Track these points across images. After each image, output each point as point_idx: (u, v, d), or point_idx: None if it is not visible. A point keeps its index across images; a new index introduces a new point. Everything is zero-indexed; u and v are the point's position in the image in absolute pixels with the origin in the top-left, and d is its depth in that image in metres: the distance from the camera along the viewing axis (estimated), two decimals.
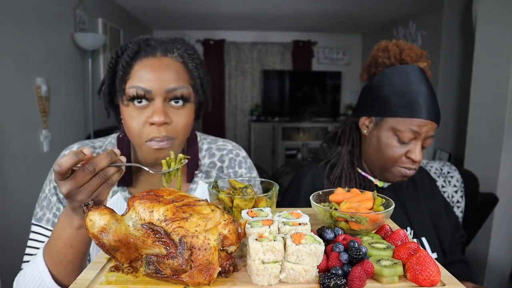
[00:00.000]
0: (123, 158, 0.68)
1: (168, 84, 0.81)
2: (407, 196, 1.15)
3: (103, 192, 0.67)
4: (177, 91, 0.82)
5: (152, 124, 0.81)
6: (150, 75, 0.81)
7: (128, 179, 0.92)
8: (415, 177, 1.21)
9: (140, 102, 0.81)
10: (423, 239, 1.10)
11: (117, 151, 0.66)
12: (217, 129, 5.90)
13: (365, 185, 1.11)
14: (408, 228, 1.10)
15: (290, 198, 1.17)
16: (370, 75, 1.14)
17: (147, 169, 0.72)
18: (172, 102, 0.83)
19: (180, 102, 0.84)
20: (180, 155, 0.76)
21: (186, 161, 0.76)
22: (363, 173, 1.13)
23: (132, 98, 0.81)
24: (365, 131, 1.11)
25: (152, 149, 0.83)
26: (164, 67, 0.82)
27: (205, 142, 1.05)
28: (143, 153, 0.86)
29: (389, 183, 1.13)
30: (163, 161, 0.74)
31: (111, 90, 0.88)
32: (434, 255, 1.10)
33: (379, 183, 1.12)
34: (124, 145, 0.93)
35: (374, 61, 1.12)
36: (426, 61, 1.09)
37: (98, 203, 0.68)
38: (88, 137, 3.11)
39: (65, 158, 0.61)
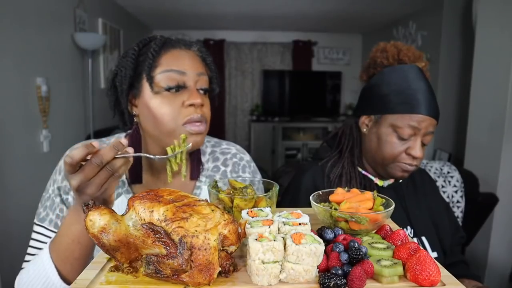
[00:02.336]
0: (130, 149, 0.68)
1: (196, 69, 0.86)
2: (407, 195, 1.15)
3: (112, 185, 0.68)
4: (204, 77, 0.88)
5: (190, 105, 0.83)
6: (181, 61, 0.85)
7: (137, 178, 0.91)
8: (415, 178, 1.21)
9: (177, 90, 0.84)
10: (423, 238, 1.10)
11: (124, 141, 0.66)
12: (217, 129, 5.90)
13: (366, 184, 1.12)
14: (408, 227, 1.10)
15: (290, 197, 1.18)
16: (369, 76, 1.16)
17: (152, 156, 0.72)
18: (201, 91, 0.88)
19: (206, 92, 0.90)
20: (182, 135, 0.76)
21: (190, 144, 0.76)
22: (363, 172, 1.14)
23: (167, 88, 0.83)
24: (364, 130, 1.13)
25: (188, 135, 0.82)
26: (191, 56, 0.88)
27: (209, 145, 1.05)
28: (174, 140, 0.83)
29: (390, 183, 1.14)
30: (168, 148, 0.75)
31: (130, 82, 0.87)
32: (434, 254, 1.10)
33: (379, 182, 1.13)
34: (136, 143, 0.91)
35: (373, 62, 1.14)
36: (424, 62, 1.10)
37: (107, 197, 0.69)
38: (88, 137, 3.12)
39: (76, 151, 0.63)
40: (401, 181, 1.16)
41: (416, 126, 1.00)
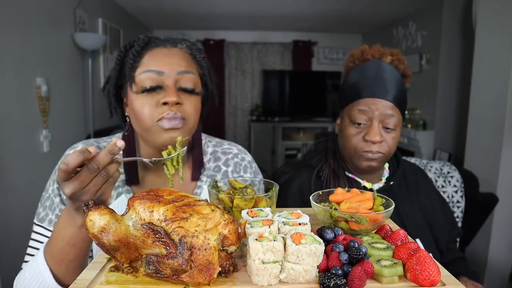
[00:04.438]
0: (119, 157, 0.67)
1: (178, 67, 0.83)
2: (399, 197, 1.13)
3: (107, 190, 0.66)
4: (188, 75, 0.84)
5: (164, 104, 0.80)
6: (161, 60, 0.83)
7: (134, 178, 0.91)
8: (408, 177, 1.20)
9: (154, 90, 0.82)
10: (417, 240, 1.09)
11: (120, 143, 0.64)
12: (217, 129, 5.90)
13: (353, 187, 1.11)
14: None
15: (278, 205, 1.17)
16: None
17: (147, 160, 0.70)
18: (182, 90, 0.84)
19: (189, 91, 0.85)
20: (179, 138, 0.75)
21: (185, 148, 0.76)
22: (350, 175, 1.13)
23: (145, 89, 0.81)
24: (337, 131, 1.17)
25: (162, 130, 0.81)
26: (174, 54, 0.85)
27: (210, 145, 1.04)
28: (153, 137, 0.83)
29: (380, 186, 1.12)
30: (164, 152, 0.74)
31: (117, 83, 0.89)
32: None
33: (368, 184, 1.12)
34: (130, 143, 0.91)
35: (345, 69, 1.21)
36: (391, 57, 1.14)
37: (102, 202, 0.68)
38: (88, 137, 3.12)
39: (72, 157, 0.60)
40: (392, 183, 1.14)
41: (365, 109, 1.02)
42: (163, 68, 0.82)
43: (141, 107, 0.82)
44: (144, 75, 0.82)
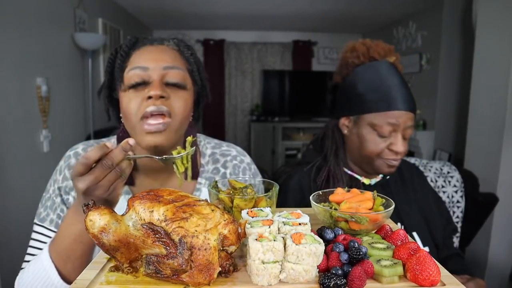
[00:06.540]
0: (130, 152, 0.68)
1: (164, 62, 0.83)
2: (395, 192, 1.16)
3: (118, 185, 0.68)
4: (174, 70, 0.84)
5: (149, 98, 0.80)
6: (147, 56, 0.84)
7: (129, 178, 0.91)
8: (404, 173, 1.22)
9: (139, 85, 0.82)
10: (414, 234, 1.10)
11: (131, 141, 0.66)
12: (217, 129, 5.90)
13: (352, 184, 1.13)
14: (399, 224, 1.10)
15: (278, 202, 1.18)
16: (343, 77, 1.16)
17: (157, 158, 0.70)
18: (169, 85, 0.84)
19: (177, 86, 0.84)
20: (189, 138, 0.74)
21: (194, 148, 0.75)
22: (349, 172, 1.15)
23: (131, 86, 0.82)
24: (345, 131, 1.14)
25: (144, 134, 0.80)
26: (161, 50, 0.86)
27: (209, 146, 1.04)
28: (137, 138, 0.82)
29: (377, 180, 1.14)
30: (174, 151, 0.74)
31: (110, 85, 0.90)
32: (426, 249, 1.10)
33: (366, 181, 1.14)
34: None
35: (345, 62, 1.14)
36: (395, 55, 1.12)
37: (114, 197, 0.69)
38: (88, 137, 3.12)
39: (92, 151, 0.62)
40: (388, 177, 1.16)
41: (394, 122, 1.01)
42: (148, 64, 0.82)
43: (127, 104, 0.82)
44: (131, 72, 0.82)
